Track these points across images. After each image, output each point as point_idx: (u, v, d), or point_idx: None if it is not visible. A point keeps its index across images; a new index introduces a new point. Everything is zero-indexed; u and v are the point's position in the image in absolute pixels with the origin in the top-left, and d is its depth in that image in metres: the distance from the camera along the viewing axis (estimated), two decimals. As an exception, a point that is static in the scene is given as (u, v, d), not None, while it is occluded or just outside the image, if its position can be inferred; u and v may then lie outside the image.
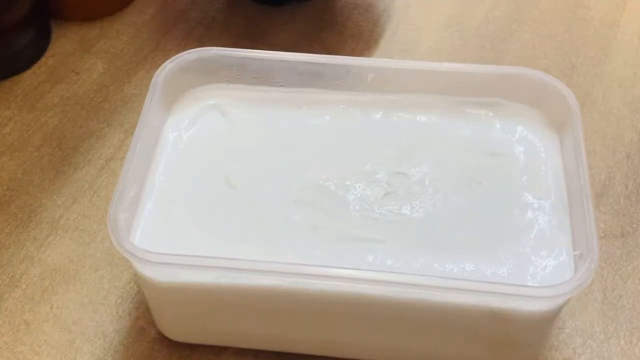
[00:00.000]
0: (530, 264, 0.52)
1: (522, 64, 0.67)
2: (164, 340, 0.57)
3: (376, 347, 0.55)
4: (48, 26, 0.77)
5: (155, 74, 0.59)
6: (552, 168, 0.57)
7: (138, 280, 0.58)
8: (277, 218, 0.55)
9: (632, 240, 0.58)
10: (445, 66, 0.61)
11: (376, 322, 0.53)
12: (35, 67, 0.74)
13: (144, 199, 0.55)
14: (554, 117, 0.59)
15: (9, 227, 0.63)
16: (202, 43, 0.73)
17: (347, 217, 0.55)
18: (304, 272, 0.50)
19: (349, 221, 0.55)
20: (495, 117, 0.60)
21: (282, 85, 0.61)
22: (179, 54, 0.60)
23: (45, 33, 0.76)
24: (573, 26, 0.77)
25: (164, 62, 0.60)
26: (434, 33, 0.77)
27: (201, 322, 0.55)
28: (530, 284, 0.51)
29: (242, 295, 0.52)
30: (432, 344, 0.54)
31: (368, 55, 0.74)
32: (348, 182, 0.56)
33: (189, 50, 0.60)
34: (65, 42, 0.76)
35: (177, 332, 0.56)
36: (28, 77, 0.73)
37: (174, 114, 0.60)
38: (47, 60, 0.75)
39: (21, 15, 0.71)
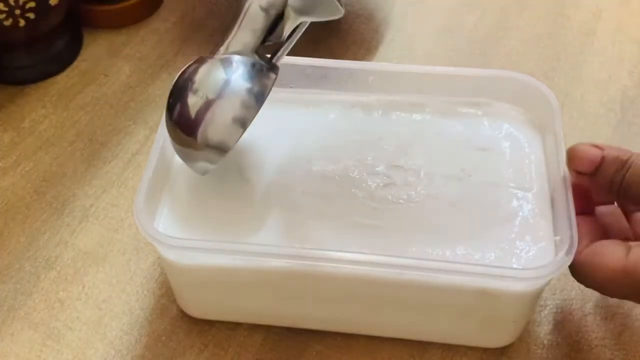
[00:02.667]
0: (515, 248, 0.52)
1: (508, 68, 0.66)
2: (184, 316, 0.57)
3: (376, 323, 0.55)
4: (80, 33, 0.77)
5: (177, 76, 0.58)
6: (535, 161, 0.56)
7: (161, 263, 0.58)
8: (287, 206, 0.54)
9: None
10: (439, 69, 0.60)
11: (376, 300, 0.53)
12: (68, 70, 0.74)
13: (167, 190, 0.55)
14: (537, 115, 0.58)
15: (45, 215, 0.63)
16: (219, 49, 0.72)
17: (350, 206, 0.55)
18: (311, 255, 0.50)
19: (352, 209, 0.54)
20: (483, 115, 0.59)
21: (291, 87, 0.60)
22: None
23: (78, 40, 0.76)
24: (554, 33, 0.77)
25: (184, 65, 0.59)
26: (428, 40, 0.76)
27: (218, 300, 0.55)
28: (515, 266, 0.51)
29: (254, 276, 0.52)
30: (428, 320, 0.54)
31: (369, 60, 0.74)
32: (351, 174, 0.56)
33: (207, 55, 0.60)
34: (95, 47, 0.76)
35: (197, 309, 0.56)
36: (62, 79, 0.73)
37: None
38: (79, 64, 0.74)
39: (56, 24, 0.71)
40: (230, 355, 0.55)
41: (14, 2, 0.66)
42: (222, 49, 0.52)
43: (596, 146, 0.52)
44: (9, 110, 0.70)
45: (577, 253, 0.49)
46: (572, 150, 0.52)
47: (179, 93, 0.51)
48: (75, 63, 0.74)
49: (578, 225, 0.50)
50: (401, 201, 0.55)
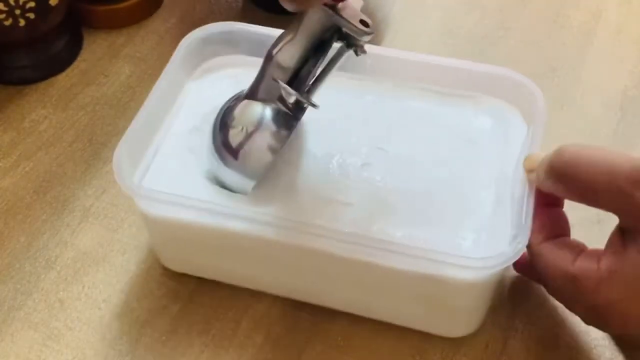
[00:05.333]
0: (478, 238, 0.53)
1: (508, 68, 0.66)
2: (184, 316, 0.57)
3: (330, 295, 0.56)
4: (80, 34, 0.77)
5: (182, 40, 0.59)
6: (515, 157, 0.56)
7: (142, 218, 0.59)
8: (268, 175, 0.55)
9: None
10: (435, 59, 0.61)
11: (329, 273, 0.54)
12: (68, 71, 0.74)
13: (156, 145, 0.57)
14: (524, 111, 0.59)
15: (44, 215, 0.63)
16: (219, 48, 0.72)
17: (325, 181, 0.56)
18: (263, 220, 0.52)
19: (326, 184, 0.55)
20: (474, 108, 0.60)
21: None
22: (205, 26, 0.61)
23: (78, 40, 0.76)
24: (554, 34, 0.77)
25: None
26: (428, 39, 0.76)
27: (189, 254, 0.57)
28: (471, 255, 0.51)
29: (216, 235, 0.54)
30: (380, 299, 0.55)
31: (369, 60, 0.74)
32: (333, 152, 0.57)
33: (214, 23, 0.61)
34: (95, 47, 0.76)
35: (171, 262, 0.58)
36: (62, 80, 0.73)
37: (196, 78, 0.62)
38: (79, 64, 0.74)
39: (56, 24, 0.71)
40: (230, 355, 0.55)
41: (14, 2, 0.66)
42: (248, 92, 0.56)
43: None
44: (9, 110, 0.70)
45: (534, 245, 0.51)
46: (528, 154, 0.53)
47: (223, 125, 0.55)
48: (75, 63, 0.74)
49: (540, 216, 0.51)
50: (376, 182, 0.56)
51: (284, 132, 0.54)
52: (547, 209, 0.52)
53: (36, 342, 0.56)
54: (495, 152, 0.57)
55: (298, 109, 0.54)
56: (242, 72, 0.60)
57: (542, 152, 0.52)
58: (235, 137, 0.54)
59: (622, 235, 0.48)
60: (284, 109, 0.54)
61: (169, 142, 0.58)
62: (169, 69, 0.59)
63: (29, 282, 0.59)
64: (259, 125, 0.54)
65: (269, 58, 0.53)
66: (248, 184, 0.54)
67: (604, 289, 0.47)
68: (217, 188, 0.55)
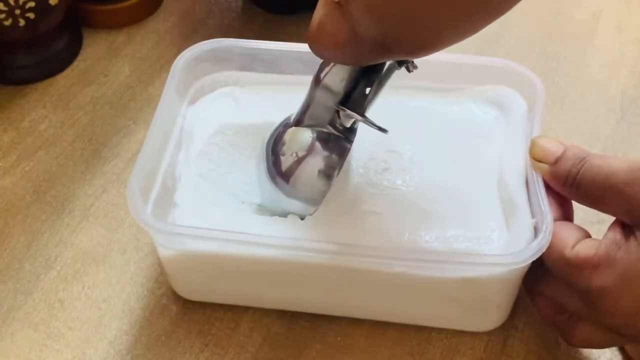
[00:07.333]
0: (504, 229, 0.53)
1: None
2: (184, 316, 0.57)
3: (367, 308, 0.56)
4: (79, 33, 0.77)
5: (175, 61, 0.59)
6: (522, 146, 0.56)
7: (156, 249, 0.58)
8: None
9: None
10: (433, 56, 0.61)
11: (364, 287, 0.54)
12: (68, 70, 0.74)
13: (161, 174, 0.56)
14: (526, 100, 0.59)
15: (44, 215, 0.63)
16: (219, 48, 0.72)
17: (352, 190, 0.55)
18: (299, 246, 0.51)
19: (354, 195, 0.55)
20: (475, 101, 0.60)
21: (288, 73, 0.60)
22: (196, 44, 0.60)
23: (77, 39, 0.76)
24: (554, 33, 0.77)
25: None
26: (428, 39, 0.76)
27: (210, 284, 0.56)
28: (498, 250, 0.52)
29: (245, 264, 0.53)
30: (414, 306, 0.55)
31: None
32: (351, 159, 0.56)
33: (205, 41, 0.60)
34: (95, 47, 0.76)
35: (188, 292, 0.57)
36: (62, 79, 0.73)
37: (191, 98, 0.60)
38: (79, 64, 0.74)
39: (55, 24, 0.71)
40: (230, 355, 0.55)
41: (14, 2, 0.66)
42: (295, 119, 0.53)
43: (560, 142, 0.53)
44: (9, 110, 0.70)
45: None
46: (535, 140, 0.53)
47: (274, 152, 0.54)
48: (75, 63, 0.74)
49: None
50: (397, 186, 0.55)
51: (335, 157, 0.52)
52: (553, 192, 0.52)
53: (36, 342, 0.56)
54: (502, 139, 0.58)
55: (349, 131, 0.52)
56: (237, 89, 0.60)
57: (546, 136, 0.53)
58: (286, 164, 0.52)
59: (623, 226, 0.49)
60: (334, 132, 0.52)
61: (177, 171, 0.56)
62: (166, 93, 0.57)
63: (29, 282, 0.59)
64: (310, 150, 0.52)
65: (317, 82, 0.51)
66: (309, 210, 0.53)
67: (599, 274, 0.48)
68: (232, 211, 0.54)
